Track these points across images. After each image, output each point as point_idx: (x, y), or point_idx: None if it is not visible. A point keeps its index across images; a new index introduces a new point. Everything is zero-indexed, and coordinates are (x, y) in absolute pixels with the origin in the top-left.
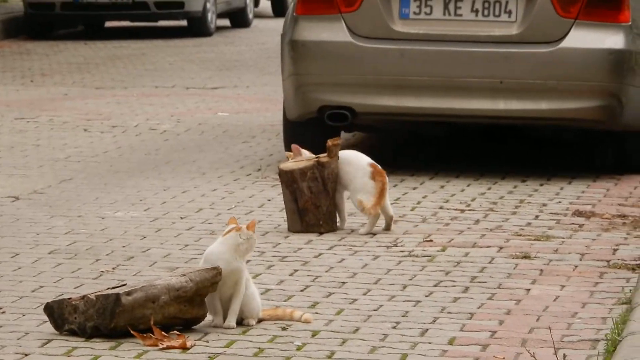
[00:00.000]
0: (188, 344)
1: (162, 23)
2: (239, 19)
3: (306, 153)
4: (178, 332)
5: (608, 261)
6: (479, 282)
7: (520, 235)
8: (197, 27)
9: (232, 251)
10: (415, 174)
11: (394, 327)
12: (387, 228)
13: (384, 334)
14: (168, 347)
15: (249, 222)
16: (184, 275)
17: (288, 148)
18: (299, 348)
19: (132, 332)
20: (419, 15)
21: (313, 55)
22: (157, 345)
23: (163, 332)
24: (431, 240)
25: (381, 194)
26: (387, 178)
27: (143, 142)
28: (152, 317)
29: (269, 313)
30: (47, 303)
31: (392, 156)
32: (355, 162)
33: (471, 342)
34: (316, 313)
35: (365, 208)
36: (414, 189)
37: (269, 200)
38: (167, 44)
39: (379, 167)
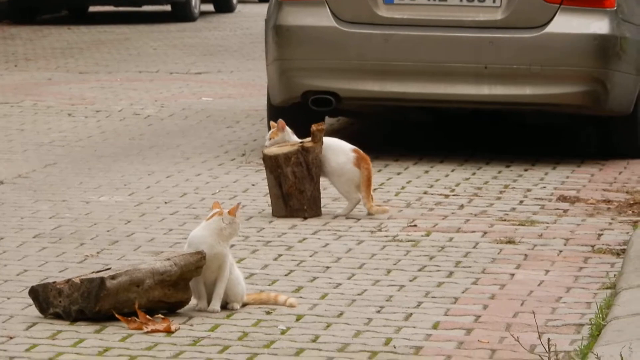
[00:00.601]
0: (172, 327)
1: (146, 8)
2: (223, 4)
3: (289, 132)
4: (162, 316)
5: (592, 246)
6: (463, 266)
7: (504, 220)
8: (181, 12)
9: (215, 235)
10: (399, 159)
11: (378, 312)
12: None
13: (368, 319)
14: (152, 331)
15: (232, 206)
16: (169, 259)
17: None
18: (283, 332)
19: (116, 315)
20: (403, 0)
21: (297, 41)
22: (141, 329)
23: (147, 316)
24: (415, 225)
25: (368, 182)
26: (371, 165)
27: (127, 127)
28: (137, 301)
29: (254, 297)
30: (32, 287)
31: (376, 141)
32: (338, 149)
33: (455, 327)
34: (300, 297)
35: (368, 207)
36: (398, 174)
37: (253, 185)
38: (151, 29)
39: (362, 152)
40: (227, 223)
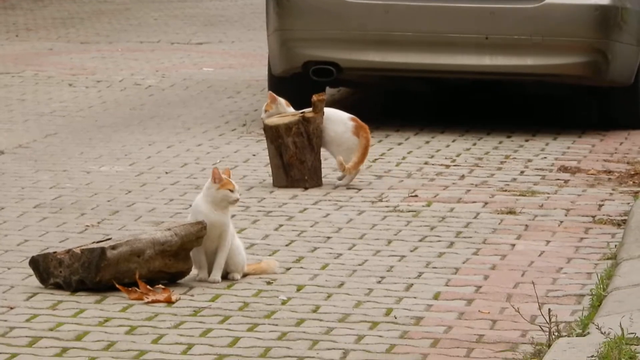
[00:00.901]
0: (173, 297)
1: None
2: None
3: (282, 102)
4: (163, 286)
5: (593, 217)
6: (464, 237)
7: (505, 190)
8: None
9: (208, 203)
10: (400, 130)
11: (379, 282)
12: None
13: (369, 289)
14: (153, 301)
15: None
16: (169, 229)
17: None
18: (284, 302)
19: (117, 285)
20: None
21: (298, 11)
22: (142, 299)
23: (148, 286)
24: (416, 196)
25: (364, 150)
26: (369, 134)
27: (128, 97)
28: (137, 271)
29: (254, 267)
30: (33, 257)
31: (377, 112)
32: (336, 118)
33: (456, 297)
34: (301, 268)
35: (346, 168)
36: (399, 144)
37: (254, 155)
38: None
39: (360, 121)
40: (214, 190)
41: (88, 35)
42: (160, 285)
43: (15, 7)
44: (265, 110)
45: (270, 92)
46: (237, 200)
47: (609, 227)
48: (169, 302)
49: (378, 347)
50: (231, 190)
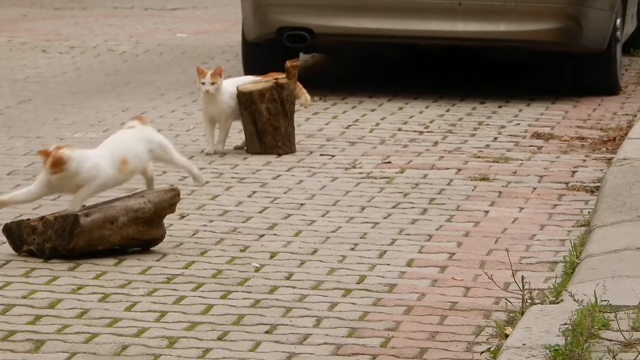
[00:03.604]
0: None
1: None
2: None
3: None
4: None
5: (567, 183)
6: (437, 204)
7: (478, 157)
8: None
9: None
10: (373, 96)
11: (352, 249)
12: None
13: (342, 256)
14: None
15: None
16: (142, 196)
17: (247, 69)
18: (257, 269)
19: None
20: None
21: None
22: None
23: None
24: (389, 162)
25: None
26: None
27: (102, 63)
28: (111, 238)
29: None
30: (6, 224)
31: (351, 78)
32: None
33: (429, 264)
34: (274, 235)
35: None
36: (373, 110)
37: None
38: None
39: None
40: None
41: (62, 1)
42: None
43: None
44: (213, 83)
45: (198, 66)
46: None
47: (582, 194)
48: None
49: (351, 314)
50: None
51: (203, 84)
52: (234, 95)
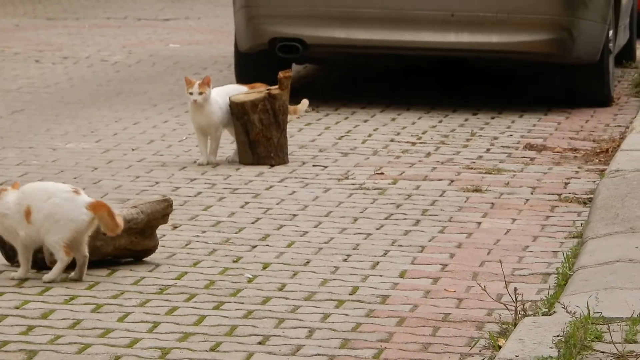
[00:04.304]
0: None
1: None
2: None
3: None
4: None
5: (559, 195)
6: (430, 215)
7: (471, 168)
8: None
9: None
10: (366, 107)
11: (345, 260)
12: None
13: (334, 267)
14: None
15: None
16: (135, 207)
17: (240, 80)
18: (249, 280)
19: None
20: None
21: None
22: None
23: None
24: (382, 173)
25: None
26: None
27: (94, 73)
28: (103, 248)
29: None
30: None
31: (343, 89)
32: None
33: (422, 275)
34: (267, 245)
35: None
36: (365, 121)
37: None
38: None
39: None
40: None
41: (55, 11)
42: None
43: None
44: (200, 93)
45: (186, 76)
46: None
47: (574, 206)
48: None
49: (344, 325)
50: None
51: (191, 94)
52: (223, 105)
